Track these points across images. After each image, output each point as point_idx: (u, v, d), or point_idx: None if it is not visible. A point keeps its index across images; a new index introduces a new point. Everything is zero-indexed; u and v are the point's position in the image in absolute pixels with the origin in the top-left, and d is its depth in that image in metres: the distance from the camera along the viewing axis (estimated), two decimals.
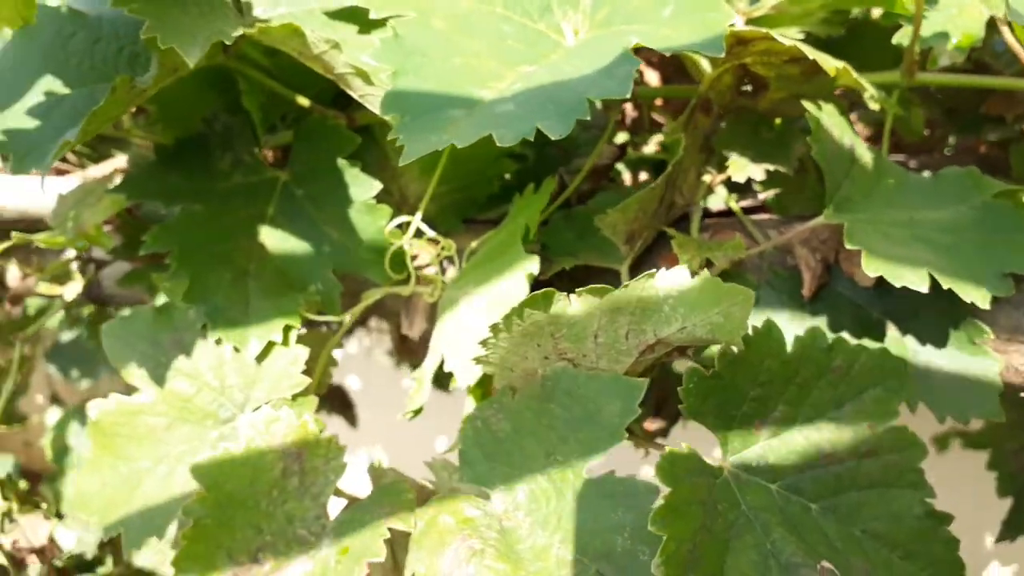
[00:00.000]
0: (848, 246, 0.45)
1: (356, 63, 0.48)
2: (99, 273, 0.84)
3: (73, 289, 0.79)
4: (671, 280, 0.41)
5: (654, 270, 0.42)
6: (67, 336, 1.76)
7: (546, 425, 0.46)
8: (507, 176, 0.71)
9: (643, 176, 0.83)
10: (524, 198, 0.61)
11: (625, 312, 0.43)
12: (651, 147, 0.79)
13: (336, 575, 0.46)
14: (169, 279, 0.58)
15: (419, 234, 0.62)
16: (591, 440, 0.44)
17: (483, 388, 0.57)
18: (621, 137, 0.79)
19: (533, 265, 0.50)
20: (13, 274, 1.06)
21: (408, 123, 0.44)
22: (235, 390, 0.56)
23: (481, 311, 0.53)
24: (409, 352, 0.98)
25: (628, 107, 0.77)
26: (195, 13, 0.50)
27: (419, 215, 0.62)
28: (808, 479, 0.43)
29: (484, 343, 0.46)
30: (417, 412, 0.57)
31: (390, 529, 0.46)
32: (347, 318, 0.63)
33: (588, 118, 0.43)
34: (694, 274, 0.41)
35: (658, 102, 0.79)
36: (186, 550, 0.47)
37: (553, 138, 0.42)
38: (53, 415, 1.74)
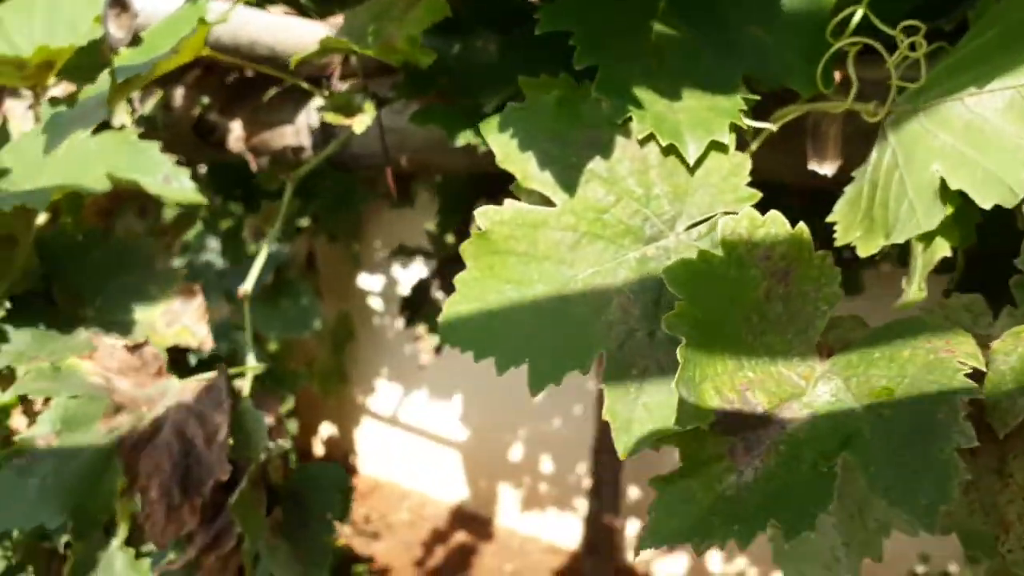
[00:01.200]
0: None
1: None
2: (380, 110, 0.74)
3: (363, 121, 0.69)
4: None
5: None
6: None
7: None
8: None
9: None
10: None
11: None
12: None
13: (888, 434, 0.34)
14: (577, 61, 0.46)
15: (865, 31, 0.49)
16: None
17: None
18: None
19: None
20: (236, 134, 0.98)
21: None
22: (663, 201, 0.45)
23: None
24: None
25: None
26: None
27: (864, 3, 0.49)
28: None
29: None
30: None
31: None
32: (768, 127, 0.50)
33: None
34: None
35: None
36: (684, 371, 0.36)
37: None
38: None
